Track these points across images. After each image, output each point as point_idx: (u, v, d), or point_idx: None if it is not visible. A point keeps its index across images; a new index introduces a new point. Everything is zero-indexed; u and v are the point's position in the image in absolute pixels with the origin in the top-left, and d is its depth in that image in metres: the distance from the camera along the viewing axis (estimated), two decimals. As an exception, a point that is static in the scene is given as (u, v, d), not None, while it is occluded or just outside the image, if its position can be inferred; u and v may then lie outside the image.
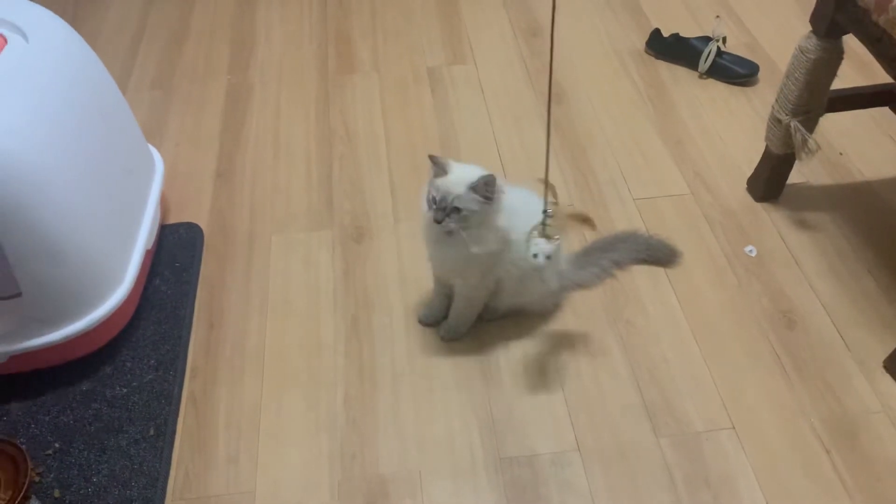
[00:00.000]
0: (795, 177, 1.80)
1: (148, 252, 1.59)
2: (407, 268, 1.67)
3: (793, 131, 1.61)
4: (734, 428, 1.38)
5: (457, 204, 1.27)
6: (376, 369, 1.49)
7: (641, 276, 1.64)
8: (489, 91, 2.13)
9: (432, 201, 1.29)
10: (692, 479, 1.32)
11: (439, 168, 1.31)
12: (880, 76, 2.01)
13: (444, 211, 1.28)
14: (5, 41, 1.34)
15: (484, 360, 1.50)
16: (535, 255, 1.29)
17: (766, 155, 1.75)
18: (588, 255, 1.62)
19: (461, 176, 1.29)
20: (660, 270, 1.65)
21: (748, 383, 1.45)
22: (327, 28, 2.38)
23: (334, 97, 2.12)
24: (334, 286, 1.64)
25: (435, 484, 1.32)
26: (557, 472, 1.33)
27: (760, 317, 1.56)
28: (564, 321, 1.56)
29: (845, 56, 1.55)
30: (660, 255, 1.67)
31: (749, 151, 1.89)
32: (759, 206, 1.79)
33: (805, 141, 1.60)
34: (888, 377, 1.45)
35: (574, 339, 1.53)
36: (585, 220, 1.43)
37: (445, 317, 1.52)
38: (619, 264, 1.65)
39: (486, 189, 1.27)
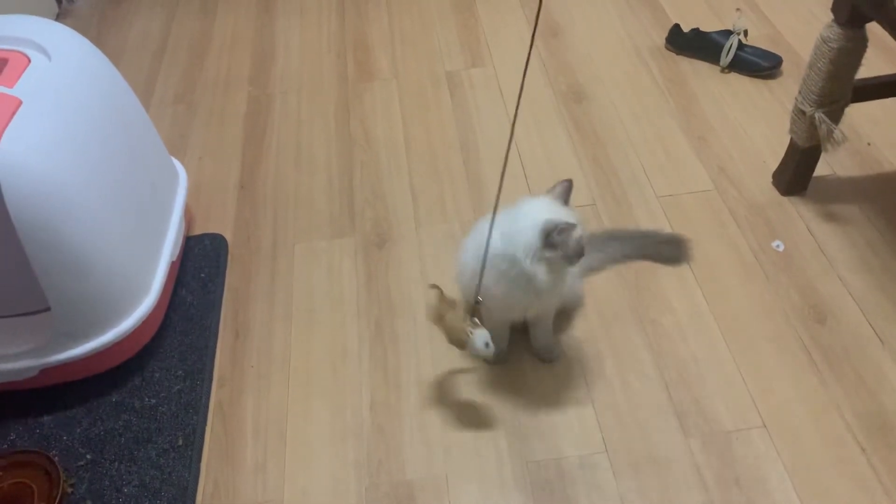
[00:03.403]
0: (822, 169, 1.76)
1: (173, 264, 1.60)
2: (430, 272, 1.67)
3: (818, 123, 1.58)
4: (765, 426, 1.36)
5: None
6: (401, 375, 1.49)
7: (667, 275, 1.62)
8: (508, 93, 2.12)
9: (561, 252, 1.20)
10: (723, 480, 1.30)
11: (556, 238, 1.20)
12: (908, 63, 1.97)
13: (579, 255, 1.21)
14: (28, 60, 1.36)
15: (509, 362, 1.49)
16: (487, 345, 1.26)
17: (792, 148, 1.72)
18: (593, 240, 1.58)
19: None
20: (686, 268, 1.63)
21: (779, 380, 1.43)
22: (345, 37, 2.40)
23: (354, 105, 2.13)
24: (357, 293, 1.64)
25: (462, 489, 1.32)
26: (585, 475, 1.32)
27: (790, 312, 1.53)
28: (590, 322, 1.55)
29: (870, 44, 1.52)
30: (669, 252, 1.65)
31: (774, 145, 1.87)
32: (785, 199, 1.76)
33: (831, 132, 1.57)
34: (925, 371, 1.42)
35: (600, 340, 1.51)
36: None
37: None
38: (628, 256, 1.63)
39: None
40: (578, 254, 1.21)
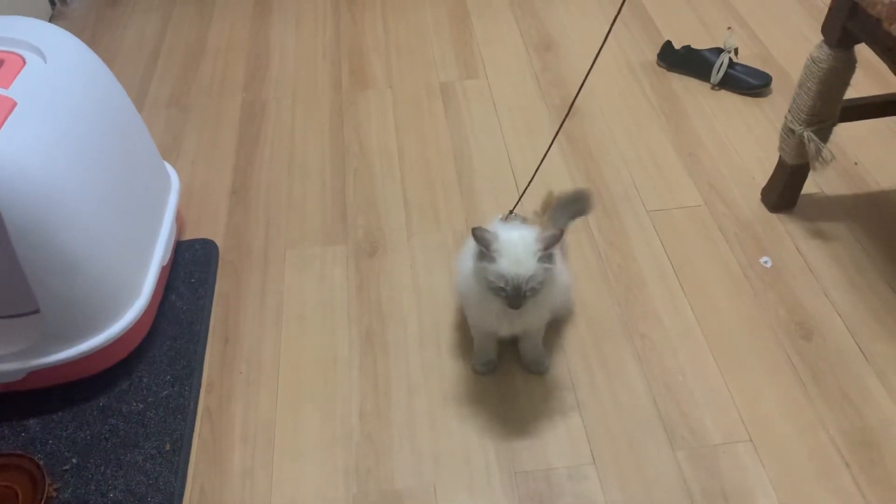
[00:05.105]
0: (810, 187, 1.79)
1: (164, 268, 1.60)
2: (421, 281, 1.67)
3: (806, 141, 1.60)
4: (752, 441, 1.37)
5: (532, 285, 1.22)
6: (391, 383, 1.49)
7: (656, 289, 1.63)
8: (501, 105, 2.14)
9: (500, 290, 1.22)
10: (710, 493, 1.30)
11: (488, 250, 1.22)
12: (894, 85, 2.00)
13: (522, 297, 1.22)
14: (24, 62, 1.36)
15: (499, 373, 1.49)
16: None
17: (780, 165, 1.74)
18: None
19: (520, 251, 1.21)
20: (675, 282, 1.64)
21: (765, 395, 1.44)
22: (340, 45, 2.41)
23: (348, 113, 2.14)
24: (348, 300, 1.64)
25: (450, 498, 1.32)
26: (574, 486, 1.32)
27: (777, 328, 1.55)
28: (579, 335, 1.56)
29: (859, 65, 1.55)
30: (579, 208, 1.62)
31: (763, 162, 1.89)
32: (773, 216, 1.78)
33: (819, 151, 1.59)
34: (908, 388, 1.44)
35: (589, 353, 1.52)
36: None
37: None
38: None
39: (551, 254, 1.22)
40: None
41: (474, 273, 1.27)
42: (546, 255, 1.22)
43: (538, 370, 1.49)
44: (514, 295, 1.22)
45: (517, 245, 1.22)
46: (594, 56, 1.33)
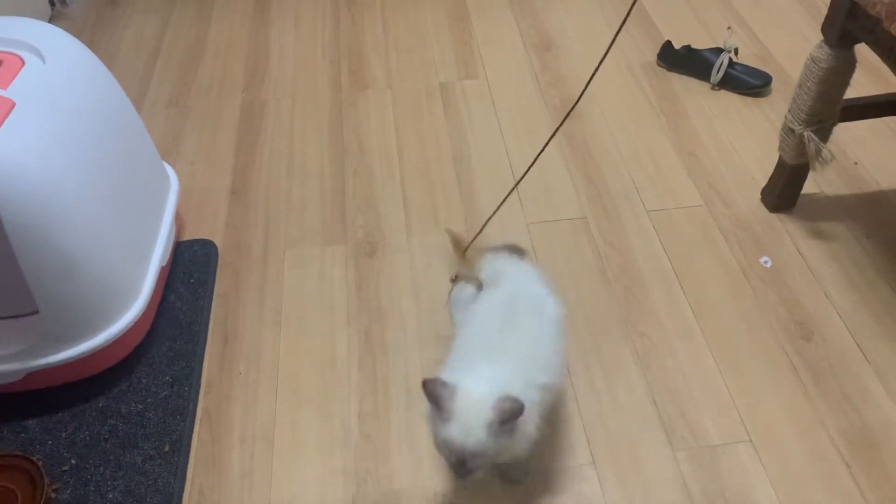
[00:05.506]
0: (810, 187, 1.79)
1: (163, 269, 1.60)
2: (420, 282, 1.67)
3: (806, 141, 1.60)
4: (751, 441, 1.37)
5: (480, 462, 1.05)
6: (390, 384, 1.49)
7: (656, 289, 1.63)
8: (501, 105, 2.14)
9: (444, 456, 1.07)
10: (709, 493, 1.30)
11: (440, 409, 1.05)
12: (894, 85, 2.00)
13: (465, 471, 1.06)
14: (23, 62, 1.36)
15: (498, 373, 1.49)
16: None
17: (780, 165, 1.74)
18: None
19: (473, 417, 1.04)
20: (674, 282, 1.64)
21: (765, 395, 1.44)
22: (340, 45, 2.41)
23: (347, 113, 2.14)
24: (348, 301, 1.64)
25: (449, 499, 1.32)
26: (573, 487, 1.32)
27: (777, 328, 1.55)
28: (579, 334, 1.55)
29: (859, 65, 1.54)
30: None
31: (763, 162, 1.89)
32: (773, 216, 1.78)
33: (819, 151, 1.59)
34: (908, 389, 1.43)
35: (589, 353, 1.52)
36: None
37: None
38: None
39: (507, 424, 1.03)
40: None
41: (427, 419, 1.12)
42: (505, 430, 1.04)
43: (511, 480, 1.33)
44: (457, 467, 1.06)
45: (472, 410, 1.04)
46: (595, 57, 1.32)
